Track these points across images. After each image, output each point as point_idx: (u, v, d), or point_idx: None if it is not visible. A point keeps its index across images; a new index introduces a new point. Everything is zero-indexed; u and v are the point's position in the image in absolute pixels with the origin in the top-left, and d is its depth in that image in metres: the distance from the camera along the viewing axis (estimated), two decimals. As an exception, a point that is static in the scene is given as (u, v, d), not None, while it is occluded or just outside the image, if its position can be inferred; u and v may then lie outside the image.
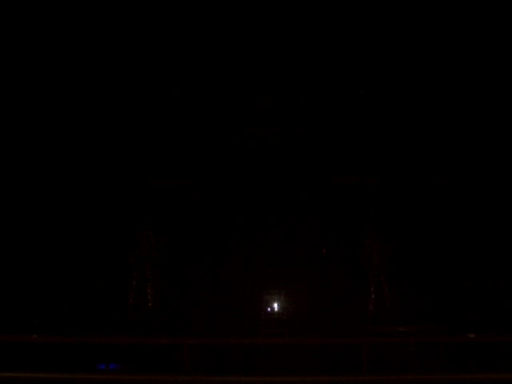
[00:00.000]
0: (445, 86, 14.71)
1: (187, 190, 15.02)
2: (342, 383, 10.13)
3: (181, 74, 15.07)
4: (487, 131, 14.37)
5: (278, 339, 11.79)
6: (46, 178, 14.57)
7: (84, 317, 12.63)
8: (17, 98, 14.61)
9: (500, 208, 14.11)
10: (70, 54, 14.75)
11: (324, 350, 10.98)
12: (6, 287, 13.16)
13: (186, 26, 14.92)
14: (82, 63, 14.76)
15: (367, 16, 14.81)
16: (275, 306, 12.94)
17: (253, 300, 13.05)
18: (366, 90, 15.23)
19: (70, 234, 13.97)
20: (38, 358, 10.57)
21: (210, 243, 14.21)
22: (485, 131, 14.36)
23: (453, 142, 14.51)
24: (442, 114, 14.74)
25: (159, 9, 14.81)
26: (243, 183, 14.91)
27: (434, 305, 12.68)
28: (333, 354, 10.86)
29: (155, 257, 14.00)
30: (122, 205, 14.46)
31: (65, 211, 14.29)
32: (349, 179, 15.15)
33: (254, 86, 15.33)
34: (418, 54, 14.76)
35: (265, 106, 15.48)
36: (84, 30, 14.74)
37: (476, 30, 14.53)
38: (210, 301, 13.14)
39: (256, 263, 13.98)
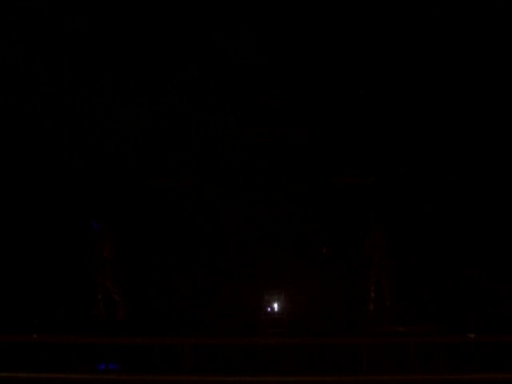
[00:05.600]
0: (444, 87, 14.72)
1: (187, 190, 15.03)
2: (342, 383, 10.14)
3: (181, 75, 15.08)
4: (486, 131, 14.37)
5: (278, 339, 11.78)
6: (46, 178, 14.62)
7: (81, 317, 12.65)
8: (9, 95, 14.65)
9: (500, 208, 14.12)
10: (71, 53, 14.77)
11: (324, 350, 10.97)
12: (5, 287, 13.17)
13: (189, 26, 14.94)
14: (82, 62, 14.78)
15: (367, 16, 14.83)
16: (275, 306, 12.94)
17: (253, 300, 13.04)
18: (366, 90, 15.24)
19: (68, 234, 13.98)
20: (38, 358, 10.57)
21: (210, 243, 14.21)
22: (484, 131, 14.36)
23: (452, 142, 14.52)
24: (441, 115, 14.75)
25: (163, 7, 14.84)
26: (243, 183, 14.92)
27: (433, 305, 12.68)
28: (333, 353, 10.85)
29: (155, 256, 14.01)
30: (122, 205, 14.48)
31: (63, 211, 14.30)
32: (349, 179, 15.16)
33: (254, 87, 15.34)
34: (418, 54, 14.76)
35: (266, 105, 15.49)
36: (84, 30, 14.77)
37: (477, 30, 14.55)
38: (210, 301, 13.14)
39: (256, 263, 13.98)
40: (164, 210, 14.67)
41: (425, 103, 14.84)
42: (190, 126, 15.11)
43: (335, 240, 14.46)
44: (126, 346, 11.08)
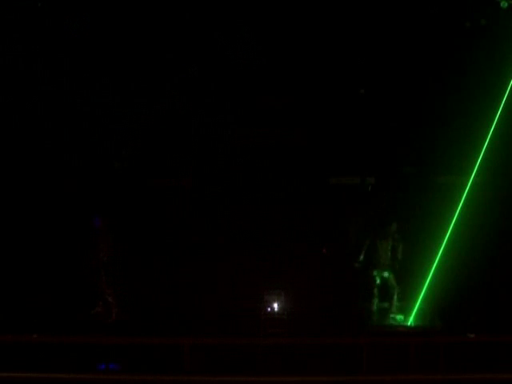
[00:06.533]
0: (444, 86, 14.73)
1: (187, 190, 15.03)
2: (342, 383, 10.16)
3: (181, 75, 15.08)
4: (486, 131, 14.36)
5: (278, 339, 11.79)
6: (45, 179, 14.64)
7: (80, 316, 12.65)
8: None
9: (501, 207, 14.13)
10: (71, 53, 14.78)
11: (324, 349, 10.98)
12: (5, 287, 13.17)
13: (189, 26, 14.94)
14: (82, 62, 14.79)
15: (366, 17, 14.84)
16: (275, 306, 12.94)
17: (253, 300, 13.04)
18: (366, 90, 15.25)
19: (68, 235, 13.98)
20: (38, 358, 10.58)
21: (210, 243, 14.21)
22: (484, 131, 14.35)
23: (452, 142, 14.52)
24: (442, 114, 14.76)
25: (160, 8, 14.85)
26: (243, 183, 14.92)
27: (434, 304, 12.67)
28: (333, 353, 10.86)
29: (155, 256, 14.01)
30: (122, 205, 14.49)
31: (63, 212, 14.30)
32: (349, 179, 15.17)
33: (254, 86, 15.34)
34: (418, 55, 14.78)
35: (265, 106, 15.49)
36: (84, 30, 14.78)
37: (476, 30, 14.57)
38: (210, 301, 13.14)
39: (256, 263, 13.98)
40: (164, 210, 14.66)
41: (425, 103, 14.84)
42: (190, 126, 15.11)
43: (335, 240, 14.46)
44: (126, 346, 11.09)
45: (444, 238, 13.00)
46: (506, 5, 14.14)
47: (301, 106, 15.45)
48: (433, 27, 14.61)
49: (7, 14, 14.41)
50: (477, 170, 13.45)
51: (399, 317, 12.75)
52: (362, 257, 13.37)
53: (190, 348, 10.49)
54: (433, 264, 12.79)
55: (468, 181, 13.37)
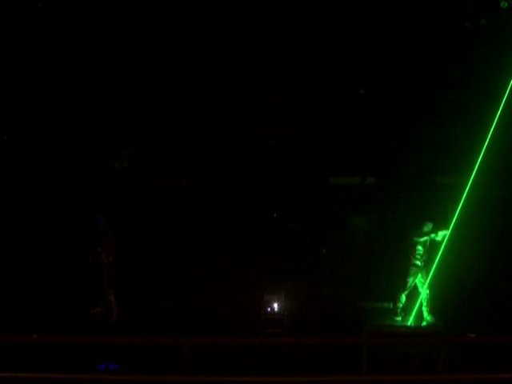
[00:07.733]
0: (444, 86, 14.75)
1: (187, 190, 15.04)
2: (342, 383, 10.16)
3: (180, 75, 15.09)
4: (487, 131, 14.36)
5: (277, 339, 11.79)
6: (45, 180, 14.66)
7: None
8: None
9: (503, 208, 14.14)
10: (70, 52, 14.79)
11: (324, 349, 10.97)
12: (5, 287, 13.17)
13: (188, 27, 14.96)
14: (82, 62, 14.80)
15: (367, 17, 14.85)
16: (275, 306, 12.93)
17: (253, 300, 13.04)
18: (366, 90, 15.26)
19: (68, 235, 13.98)
20: (38, 358, 10.57)
21: (210, 243, 14.22)
22: (484, 131, 14.36)
23: (452, 142, 14.53)
24: (441, 114, 14.78)
25: (158, 7, 14.86)
26: (243, 183, 14.92)
27: (434, 305, 12.66)
28: (333, 353, 10.85)
29: (155, 256, 14.02)
30: (122, 205, 14.50)
31: (63, 213, 14.31)
32: (349, 179, 15.17)
33: (254, 86, 15.35)
34: (418, 54, 14.79)
35: (264, 105, 15.50)
36: (85, 29, 14.80)
37: (476, 30, 14.59)
38: (210, 301, 13.14)
39: (256, 263, 13.98)
40: (164, 210, 14.67)
41: (425, 103, 14.86)
42: (189, 126, 15.12)
43: (335, 240, 14.46)
44: (126, 345, 11.08)
45: (444, 238, 12.96)
46: (506, 5, 14.15)
47: (301, 106, 15.46)
48: (433, 27, 14.63)
49: (7, 14, 14.42)
50: (477, 170, 13.40)
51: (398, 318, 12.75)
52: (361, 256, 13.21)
53: (189, 348, 10.48)
54: (433, 264, 12.74)
55: (468, 181, 13.31)
